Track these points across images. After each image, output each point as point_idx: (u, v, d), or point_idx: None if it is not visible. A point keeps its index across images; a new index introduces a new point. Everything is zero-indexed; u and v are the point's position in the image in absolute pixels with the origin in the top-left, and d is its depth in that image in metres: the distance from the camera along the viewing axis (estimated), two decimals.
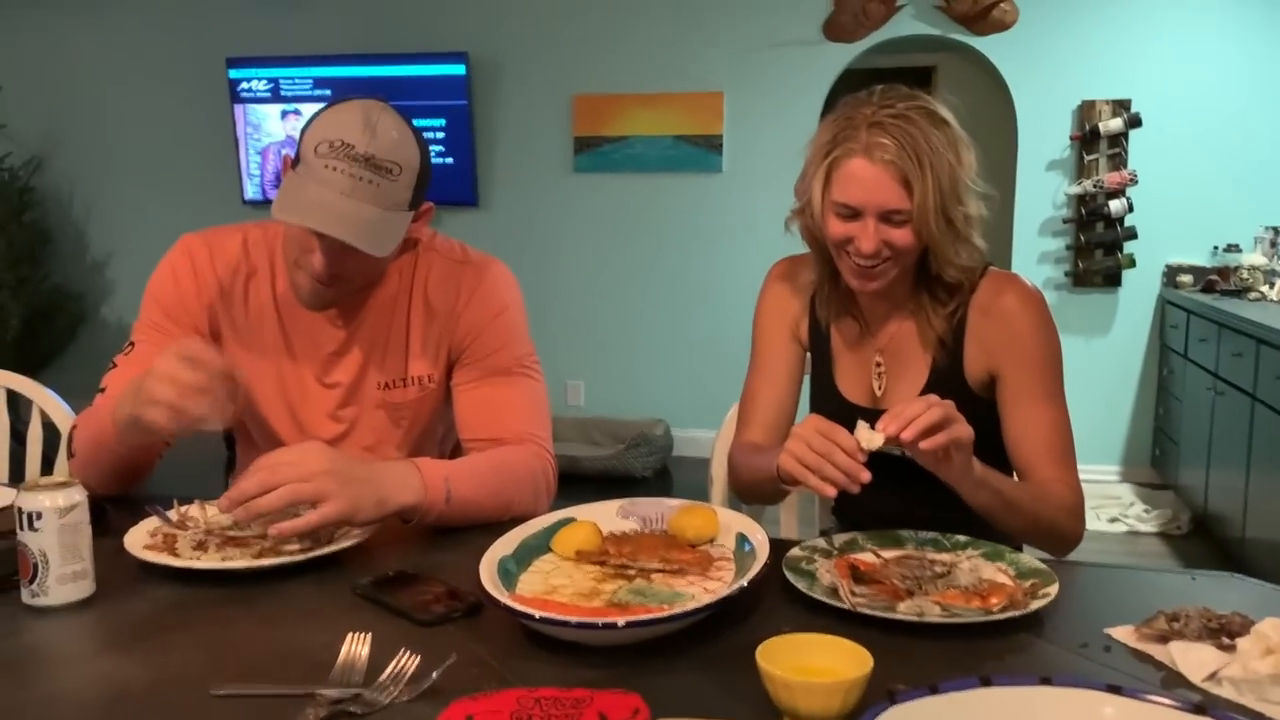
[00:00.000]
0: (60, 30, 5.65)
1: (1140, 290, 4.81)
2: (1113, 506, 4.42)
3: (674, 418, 5.21)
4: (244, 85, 5.37)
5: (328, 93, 5.11)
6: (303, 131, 1.45)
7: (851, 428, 1.56)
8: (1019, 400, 1.45)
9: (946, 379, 1.48)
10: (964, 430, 1.24)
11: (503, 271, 1.64)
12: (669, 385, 5.28)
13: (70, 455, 1.51)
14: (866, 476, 1.21)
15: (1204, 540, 4.11)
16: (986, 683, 0.80)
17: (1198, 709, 0.78)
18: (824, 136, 1.43)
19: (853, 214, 1.40)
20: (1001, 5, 4.70)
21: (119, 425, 1.36)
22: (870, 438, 1.22)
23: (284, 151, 1.41)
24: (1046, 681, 0.81)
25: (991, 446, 1.44)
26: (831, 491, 1.22)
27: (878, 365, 1.54)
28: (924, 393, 1.49)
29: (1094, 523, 4.05)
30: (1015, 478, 1.45)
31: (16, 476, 1.89)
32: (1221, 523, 3.88)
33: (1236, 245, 4.59)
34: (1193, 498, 4.24)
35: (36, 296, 5.37)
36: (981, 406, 1.48)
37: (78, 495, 1.16)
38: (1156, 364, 4.83)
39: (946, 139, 1.38)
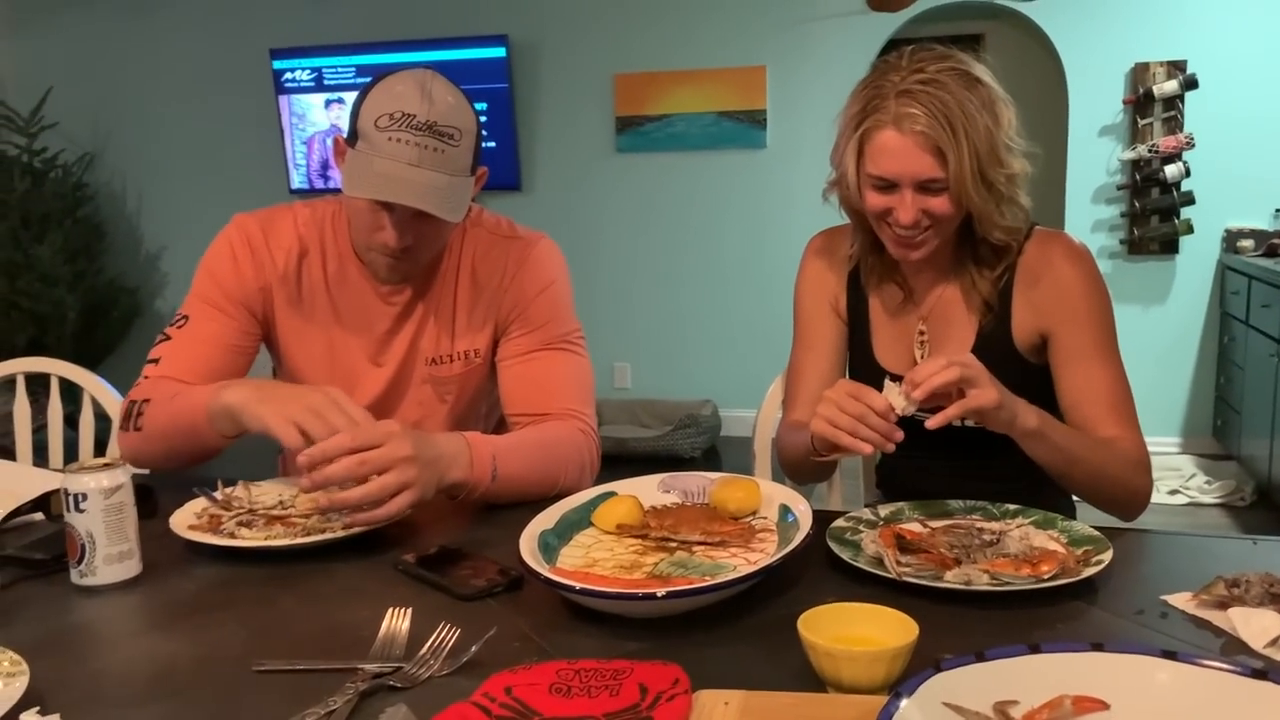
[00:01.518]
0: (107, 29, 5.72)
1: (1198, 257, 4.68)
2: (1173, 478, 4.33)
3: (721, 397, 5.18)
4: (288, 76, 5.41)
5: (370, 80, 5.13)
6: (356, 108, 1.45)
7: None
8: (1074, 360, 1.42)
9: (993, 343, 1.45)
10: (984, 398, 1.21)
11: (550, 247, 1.64)
12: (715, 365, 5.25)
13: (135, 429, 1.48)
14: (900, 435, 1.20)
15: (1269, 510, 4.01)
16: (1035, 649, 0.78)
17: (1258, 674, 0.75)
18: (854, 107, 1.40)
19: (888, 186, 1.37)
20: None
21: (217, 422, 1.37)
22: (900, 399, 1.22)
23: (331, 138, 1.41)
24: (1098, 648, 0.78)
25: (1038, 405, 1.41)
26: (867, 449, 1.21)
27: (921, 334, 1.51)
28: None
29: (1154, 495, 3.96)
30: None
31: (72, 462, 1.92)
32: None
33: None
34: (1257, 467, 4.14)
35: (93, 291, 5.46)
36: (1030, 371, 1.45)
37: (122, 476, 1.17)
38: (1217, 332, 4.70)
39: (981, 99, 1.33)
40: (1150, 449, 1.41)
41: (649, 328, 5.30)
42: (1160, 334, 4.73)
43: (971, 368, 1.22)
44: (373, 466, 1.23)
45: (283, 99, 5.45)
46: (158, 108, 5.73)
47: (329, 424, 1.25)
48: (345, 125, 1.51)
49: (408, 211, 1.42)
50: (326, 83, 5.38)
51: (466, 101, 1.48)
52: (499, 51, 5.11)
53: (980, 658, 0.77)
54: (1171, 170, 4.54)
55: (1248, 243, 4.51)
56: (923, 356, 1.50)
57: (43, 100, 5.48)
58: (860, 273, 1.56)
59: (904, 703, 0.70)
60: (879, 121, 1.35)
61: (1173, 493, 4.22)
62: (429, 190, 1.40)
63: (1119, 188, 4.69)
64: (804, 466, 1.51)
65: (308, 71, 5.38)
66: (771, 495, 1.27)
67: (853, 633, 0.90)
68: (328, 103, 5.40)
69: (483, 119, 5.35)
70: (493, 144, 5.22)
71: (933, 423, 1.22)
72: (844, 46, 4.87)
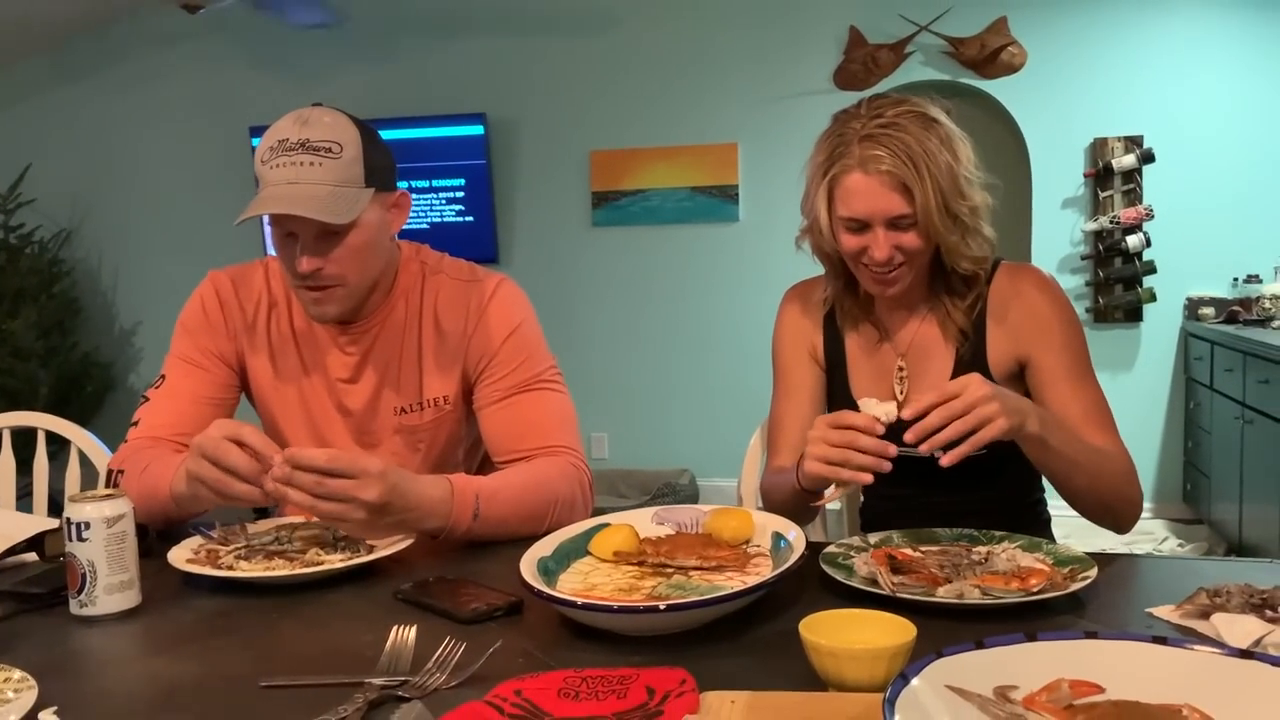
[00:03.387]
0: (88, 107, 5.80)
1: (1162, 324, 4.80)
2: (1146, 541, 4.37)
3: (698, 467, 5.20)
4: None
5: None
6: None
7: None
8: (1054, 381, 1.48)
9: (970, 370, 1.49)
10: (996, 429, 1.23)
11: (511, 288, 1.65)
12: (692, 435, 5.28)
13: None
14: (893, 450, 1.23)
15: None
16: (1032, 638, 0.81)
17: (1244, 654, 0.78)
18: (820, 155, 1.47)
19: (860, 226, 1.44)
20: (1009, 48, 4.77)
21: (177, 498, 1.37)
22: (881, 409, 1.25)
23: None
24: (1092, 635, 0.81)
25: None
26: (868, 478, 1.24)
27: (900, 369, 1.55)
28: None
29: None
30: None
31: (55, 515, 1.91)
32: (1258, 553, 3.82)
33: (1257, 276, 4.59)
34: (1227, 530, 4.19)
35: (66, 366, 5.44)
36: None
37: (124, 506, 1.18)
38: (1183, 397, 4.80)
39: (939, 138, 1.41)
40: None
41: (626, 398, 5.34)
42: (1128, 400, 4.81)
43: (977, 398, 1.23)
44: (330, 493, 1.23)
45: None
46: (137, 184, 5.78)
47: (226, 477, 1.25)
48: None
49: (308, 234, 1.44)
50: None
51: (350, 121, 1.50)
52: (477, 129, 5.22)
53: (980, 645, 0.79)
54: (1133, 240, 4.68)
55: (1208, 310, 4.64)
56: (902, 392, 1.54)
57: (20, 177, 5.52)
58: (835, 316, 1.62)
59: (911, 683, 0.72)
60: (845, 166, 1.42)
61: (1146, 555, 4.26)
62: (306, 199, 1.41)
63: (1083, 258, 4.82)
64: (791, 510, 1.53)
65: None
66: (764, 524, 1.30)
67: (852, 636, 0.92)
68: None
69: (460, 194, 5.45)
70: (470, 218, 5.31)
71: (947, 460, 1.23)
72: (813, 123, 4.91)
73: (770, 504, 1.59)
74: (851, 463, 1.23)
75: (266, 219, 1.49)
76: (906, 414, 1.23)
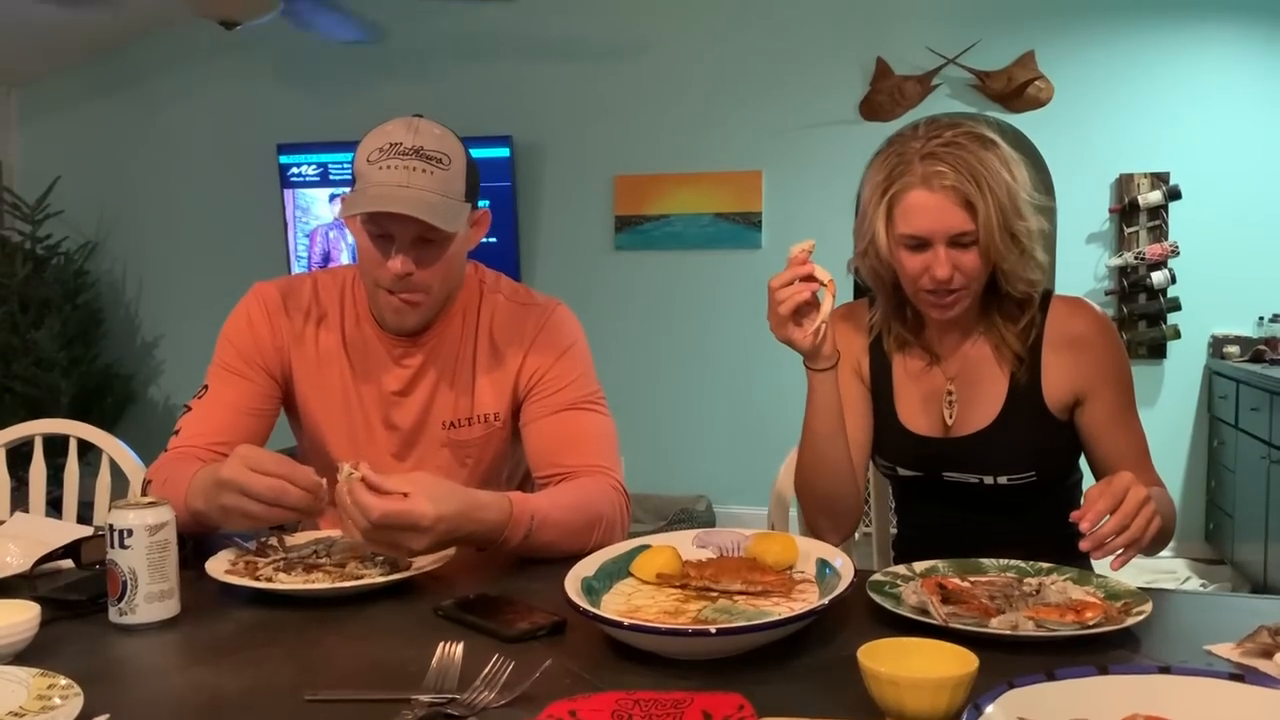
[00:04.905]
0: (116, 122, 5.85)
1: (1186, 361, 4.77)
2: (1168, 581, 4.32)
3: (715, 493, 5.17)
4: (294, 170, 5.52)
5: None
6: (354, 161, 1.51)
7: (912, 460, 1.57)
8: (1114, 420, 1.50)
9: (1025, 397, 1.49)
10: (1154, 529, 1.20)
11: (566, 312, 1.67)
12: (709, 461, 5.26)
13: None
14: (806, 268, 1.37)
15: None
16: (1104, 671, 0.79)
17: None
18: (878, 175, 1.46)
19: (921, 244, 1.42)
20: (1036, 83, 4.77)
21: (197, 519, 1.35)
22: (800, 243, 1.38)
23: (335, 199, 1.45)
24: (1165, 670, 0.79)
25: (1061, 462, 1.53)
26: (819, 281, 1.37)
27: (949, 394, 1.54)
28: (1002, 413, 1.49)
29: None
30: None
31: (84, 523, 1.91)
32: None
33: None
34: (1251, 571, 4.14)
35: (87, 376, 5.46)
36: (1059, 426, 1.51)
37: (166, 514, 1.17)
38: (1206, 436, 4.76)
39: (998, 158, 1.41)
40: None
41: (643, 423, 5.31)
42: (1151, 438, 4.72)
43: (1146, 502, 1.20)
44: (381, 540, 1.23)
45: (287, 192, 5.55)
46: (163, 198, 5.82)
47: (247, 501, 1.24)
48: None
49: (406, 237, 1.46)
50: (332, 178, 5.49)
51: (455, 136, 1.54)
52: (503, 152, 5.24)
53: (1051, 677, 0.78)
54: (1158, 277, 4.66)
55: (1233, 348, 4.61)
56: (951, 417, 1.53)
57: (49, 189, 5.56)
58: (882, 340, 1.60)
59: (986, 711, 0.71)
60: (907, 184, 1.41)
61: (1198, 592, 4.21)
62: (419, 203, 1.43)
63: (1107, 293, 4.80)
64: (817, 455, 1.52)
65: (313, 166, 5.50)
66: (809, 550, 1.28)
67: (911, 665, 0.91)
68: (331, 197, 5.49)
69: None
70: (494, 239, 5.31)
71: (1117, 564, 1.21)
72: (837, 153, 5.01)
73: (807, 494, 1.56)
74: (785, 299, 1.36)
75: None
76: (1084, 526, 1.18)
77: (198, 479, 1.34)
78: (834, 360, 1.45)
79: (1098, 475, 1.49)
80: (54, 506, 2.10)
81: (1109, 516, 1.19)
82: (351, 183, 1.52)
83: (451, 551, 1.31)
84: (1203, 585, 4.26)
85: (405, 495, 1.21)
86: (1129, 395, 1.52)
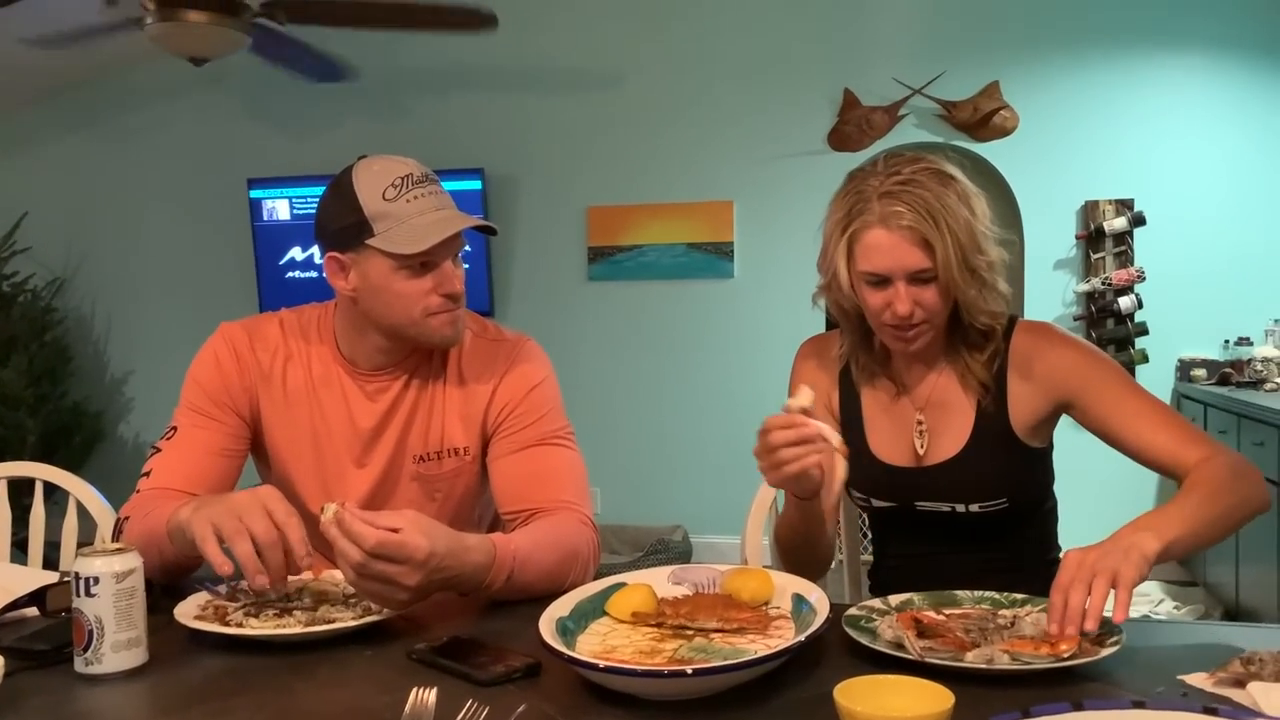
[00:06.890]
0: (84, 155, 5.81)
1: (1154, 385, 4.80)
2: (1142, 603, 4.34)
3: (691, 524, 5.16)
4: (264, 205, 5.50)
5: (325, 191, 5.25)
6: (340, 210, 1.51)
7: (886, 491, 1.57)
8: (1117, 411, 1.45)
9: (991, 423, 1.50)
10: (1128, 575, 1.14)
11: (535, 348, 1.67)
12: (686, 491, 5.25)
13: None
14: (810, 427, 1.27)
15: None
16: (1079, 707, 0.79)
17: None
18: (838, 213, 1.47)
19: (881, 281, 1.44)
20: (1002, 112, 4.84)
21: (175, 540, 1.33)
22: (795, 401, 1.29)
23: (323, 260, 1.43)
24: (1139, 705, 0.79)
25: (1032, 489, 1.52)
26: (813, 460, 1.27)
27: (919, 424, 1.55)
28: (970, 441, 1.50)
29: None
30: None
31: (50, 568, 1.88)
32: (1255, 615, 3.80)
33: (1248, 338, 4.62)
34: (1224, 594, 4.17)
35: (55, 414, 5.39)
36: (1027, 453, 1.52)
37: (134, 561, 1.16)
38: None
39: (956, 194, 1.42)
40: None
41: (619, 453, 5.31)
42: (1122, 462, 4.78)
43: (1093, 566, 1.13)
44: (374, 574, 1.19)
45: (258, 227, 5.52)
46: (132, 234, 5.78)
47: (244, 526, 1.22)
48: (318, 249, 1.56)
49: (448, 255, 1.51)
50: (299, 213, 5.47)
51: None
52: (475, 184, 5.25)
53: (1026, 714, 0.78)
54: (1125, 302, 4.71)
55: (1200, 372, 4.66)
56: (923, 447, 1.53)
57: (16, 225, 5.51)
58: (850, 371, 1.61)
59: None
60: (866, 222, 1.42)
61: (1144, 618, 4.23)
62: (468, 219, 1.51)
63: (1075, 318, 4.85)
64: (800, 535, 1.49)
65: (284, 201, 5.48)
66: (784, 585, 1.28)
67: (888, 703, 0.90)
68: (323, 249, 5.46)
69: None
70: (466, 265, 5.30)
71: (1119, 617, 1.12)
72: (808, 182, 5.05)
73: (781, 538, 1.55)
74: (802, 456, 1.26)
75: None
76: (1052, 629, 1.10)
77: (190, 504, 1.31)
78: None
79: (1149, 465, 1.43)
80: (19, 548, 2.07)
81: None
82: (355, 236, 1.50)
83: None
84: (1176, 608, 4.28)
85: (397, 530, 1.20)
86: (1124, 382, 1.47)
